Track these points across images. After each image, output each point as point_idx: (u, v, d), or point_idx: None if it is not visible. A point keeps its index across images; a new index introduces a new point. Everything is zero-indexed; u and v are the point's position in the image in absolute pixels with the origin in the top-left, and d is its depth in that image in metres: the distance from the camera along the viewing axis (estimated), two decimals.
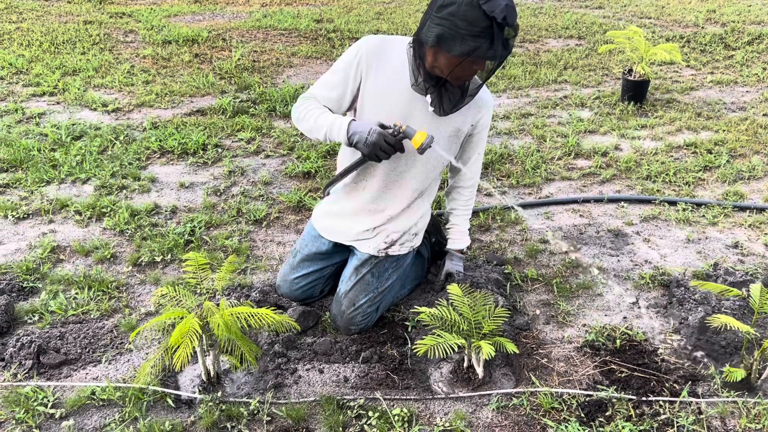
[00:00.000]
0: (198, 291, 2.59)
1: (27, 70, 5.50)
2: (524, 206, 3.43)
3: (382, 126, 2.12)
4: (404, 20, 7.42)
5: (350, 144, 2.15)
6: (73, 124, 4.34)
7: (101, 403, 2.09)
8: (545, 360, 2.33)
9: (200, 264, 2.23)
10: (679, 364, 2.30)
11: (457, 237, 2.63)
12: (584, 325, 2.53)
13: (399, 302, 2.63)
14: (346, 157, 2.41)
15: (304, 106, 2.31)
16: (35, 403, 2.07)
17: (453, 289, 2.23)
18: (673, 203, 3.45)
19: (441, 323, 2.15)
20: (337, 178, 2.43)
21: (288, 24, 7.10)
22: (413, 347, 2.20)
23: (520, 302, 2.64)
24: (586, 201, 3.46)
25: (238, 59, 5.80)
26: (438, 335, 2.08)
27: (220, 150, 4.04)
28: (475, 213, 3.30)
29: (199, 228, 3.13)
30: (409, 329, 2.47)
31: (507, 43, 1.94)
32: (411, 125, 2.15)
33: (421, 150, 2.11)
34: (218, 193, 3.53)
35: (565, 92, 5.21)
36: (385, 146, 2.09)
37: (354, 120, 2.17)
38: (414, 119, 2.24)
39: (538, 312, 2.60)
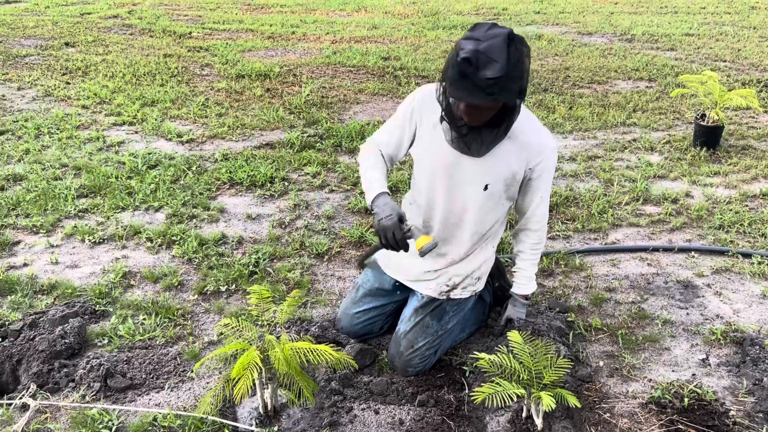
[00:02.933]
0: (260, 322, 2.64)
1: (110, 100, 5.82)
2: (589, 252, 3.35)
3: (401, 218, 2.19)
4: None
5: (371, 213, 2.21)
6: (149, 153, 4.54)
7: (162, 430, 2.14)
8: (608, 415, 2.25)
9: (264, 297, 2.27)
10: (753, 427, 2.17)
11: (523, 282, 2.57)
12: (650, 380, 2.43)
13: (457, 346, 2.60)
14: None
15: (363, 151, 2.44)
16: (100, 426, 2.14)
17: (513, 336, 2.19)
18: (747, 255, 3.30)
19: (500, 371, 2.11)
20: (368, 253, 2.48)
21: (356, 61, 7.27)
22: (471, 394, 2.16)
23: (582, 352, 2.57)
24: (655, 249, 3.35)
25: (308, 95, 5.97)
26: (497, 383, 2.04)
27: (286, 183, 4.14)
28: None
29: (263, 259, 3.20)
30: (467, 374, 2.44)
31: (484, 86, 1.92)
32: (460, 170, 2.24)
33: (422, 253, 2.19)
34: (283, 226, 3.61)
35: (634, 135, 5.10)
36: (390, 237, 2.16)
37: (384, 194, 2.26)
38: (462, 166, 2.26)
39: (601, 364, 2.52)
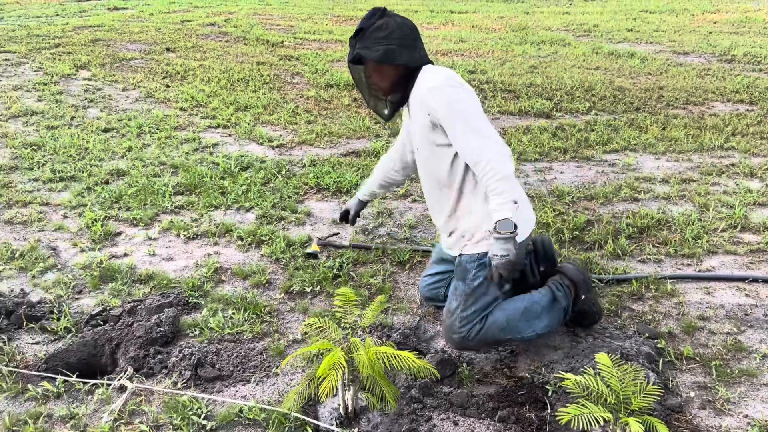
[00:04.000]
0: (343, 325, 2.68)
1: (206, 103, 6.09)
2: (682, 278, 3.22)
3: (344, 214, 3.18)
4: (559, 74, 7.36)
5: None
6: (242, 156, 4.72)
7: (247, 422, 2.21)
8: None
9: (350, 300, 2.31)
10: None
11: (493, 217, 2.32)
12: (746, 416, 2.30)
13: (540, 363, 2.55)
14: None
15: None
16: (190, 413, 2.23)
17: (602, 358, 2.13)
18: None
19: (586, 393, 2.06)
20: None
21: None
22: (554, 414, 2.12)
23: (672, 381, 2.47)
24: (755, 280, 3.18)
25: None
26: (582, 405, 1.99)
27: None
28: (627, 280, 3.15)
29: (347, 264, 3.26)
30: (550, 394, 2.39)
31: (350, 46, 2.47)
32: (410, 143, 2.79)
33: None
34: (366, 233, 3.66)
35: (732, 160, 4.87)
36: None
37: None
38: (410, 138, 2.73)
39: (692, 394, 2.40)
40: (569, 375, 2.11)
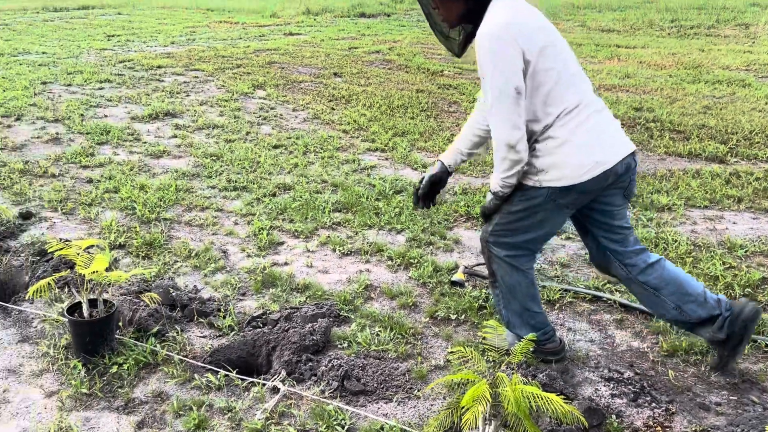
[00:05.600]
0: (488, 358, 2.66)
1: (366, 127, 6.37)
2: None
3: (432, 188, 2.92)
4: (736, 117, 6.81)
5: None
6: (396, 180, 4.87)
7: None
8: None
9: (498, 333, 2.29)
10: None
11: None
12: None
13: (698, 427, 2.35)
14: None
15: None
16: (335, 423, 2.32)
17: None
18: None
19: None
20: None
21: None
22: None
23: None
24: None
25: None
26: None
27: None
28: None
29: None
30: None
31: None
32: None
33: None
34: None
35: None
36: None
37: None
38: None
39: None
40: None
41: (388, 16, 17.52)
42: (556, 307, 3.19)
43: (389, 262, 3.61)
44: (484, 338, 2.36)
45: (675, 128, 6.39)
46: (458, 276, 3.38)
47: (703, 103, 7.45)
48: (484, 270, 3.50)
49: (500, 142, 2.38)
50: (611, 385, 2.59)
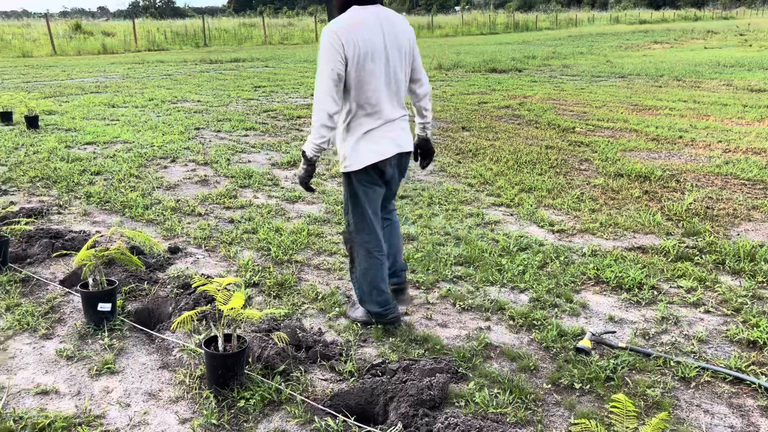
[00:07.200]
0: None
1: (492, 181, 6.37)
2: None
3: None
4: None
5: None
6: (521, 236, 4.80)
7: None
8: None
9: (628, 409, 2.17)
10: None
11: None
12: None
13: None
14: None
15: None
16: None
17: None
18: None
19: None
20: None
21: (753, 174, 6.56)
22: None
23: None
24: None
25: (690, 203, 5.60)
26: None
27: (656, 292, 3.92)
28: None
29: (622, 367, 3.07)
30: None
31: None
32: None
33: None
34: (646, 337, 3.41)
35: None
36: None
37: None
38: None
39: None
40: None
41: (520, 71, 17.56)
42: (691, 386, 2.97)
43: (511, 322, 3.55)
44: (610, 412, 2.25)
45: None
46: (584, 343, 3.25)
47: None
48: (613, 339, 3.35)
49: (323, 111, 3.03)
50: None
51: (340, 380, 2.97)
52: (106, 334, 3.37)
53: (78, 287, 3.55)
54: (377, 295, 3.38)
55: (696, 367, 3.07)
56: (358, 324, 3.48)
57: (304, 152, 3.17)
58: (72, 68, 19.31)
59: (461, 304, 3.74)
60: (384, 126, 3.18)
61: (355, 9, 3.07)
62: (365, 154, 3.16)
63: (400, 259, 3.62)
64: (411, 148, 3.36)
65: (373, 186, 3.27)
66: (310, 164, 3.19)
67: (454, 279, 4.11)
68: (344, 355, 3.15)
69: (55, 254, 4.38)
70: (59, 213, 5.43)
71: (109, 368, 3.07)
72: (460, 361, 3.10)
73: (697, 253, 4.53)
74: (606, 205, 5.63)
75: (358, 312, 3.53)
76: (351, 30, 2.99)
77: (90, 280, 3.44)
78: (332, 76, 3.00)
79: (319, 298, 3.80)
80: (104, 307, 3.40)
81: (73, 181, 6.35)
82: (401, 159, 3.33)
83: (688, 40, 31.59)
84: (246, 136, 8.72)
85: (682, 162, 7.18)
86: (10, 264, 4.20)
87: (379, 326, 3.43)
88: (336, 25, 3.01)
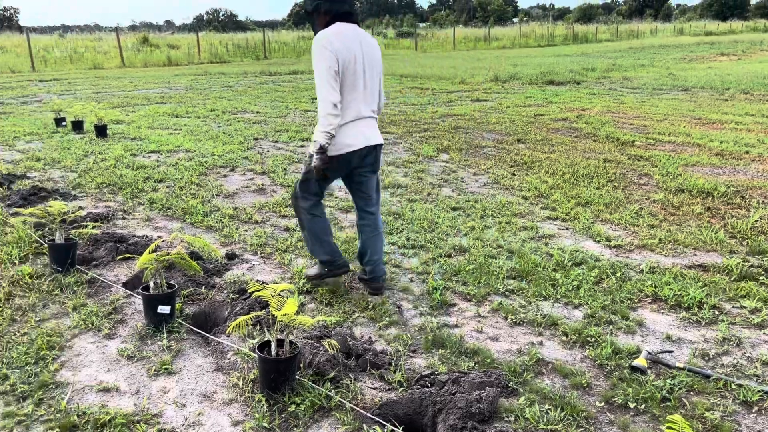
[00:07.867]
0: None
1: (547, 195, 6.28)
2: None
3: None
4: None
5: None
6: (576, 251, 4.72)
7: None
8: None
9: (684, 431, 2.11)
10: None
11: None
12: None
13: None
14: None
15: None
16: None
17: None
18: None
19: None
20: None
21: None
22: None
23: None
24: None
25: (756, 221, 5.38)
26: None
27: (716, 312, 3.78)
28: None
29: (679, 388, 2.97)
30: None
31: None
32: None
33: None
34: (705, 357, 3.29)
35: None
36: None
37: None
38: None
39: None
40: None
41: (578, 84, 17.28)
42: (753, 411, 2.85)
43: (564, 338, 3.49)
44: None
45: None
46: (640, 361, 3.17)
47: None
48: (670, 358, 3.25)
49: (327, 101, 3.50)
50: None
51: (389, 389, 2.99)
52: (165, 335, 3.49)
53: (140, 290, 3.70)
54: (325, 246, 3.98)
55: (759, 391, 2.95)
56: (314, 281, 4.12)
57: (316, 141, 3.57)
58: (139, 79, 20.13)
59: (513, 318, 3.70)
60: (356, 122, 3.70)
61: (338, 24, 3.64)
62: (338, 146, 3.68)
63: (380, 265, 4.06)
64: (379, 141, 3.85)
65: (333, 172, 3.80)
66: (323, 152, 3.60)
67: (506, 292, 4.07)
68: (393, 364, 3.16)
69: (119, 257, 4.57)
70: (124, 218, 5.66)
71: (166, 369, 3.18)
72: (511, 376, 3.07)
73: (763, 272, 4.35)
74: (666, 221, 5.47)
75: (314, 269, 4.14)
76: (338, 38, 3.56)
77: (151, 283, 3.58)
78: (330, 72, 3.50)
79: (370, 307, 3.83)
80: (164, 309, 3.53)
81: (137, 188, 6.61)
82: (370, 152, 3.81)
83: (757, 51, 30.40)
84: (302, 146, 8.88)
85: (748, 178, 6.91)
86: (77, 266, 4.40)
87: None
88: (326, 33, 3.58)
